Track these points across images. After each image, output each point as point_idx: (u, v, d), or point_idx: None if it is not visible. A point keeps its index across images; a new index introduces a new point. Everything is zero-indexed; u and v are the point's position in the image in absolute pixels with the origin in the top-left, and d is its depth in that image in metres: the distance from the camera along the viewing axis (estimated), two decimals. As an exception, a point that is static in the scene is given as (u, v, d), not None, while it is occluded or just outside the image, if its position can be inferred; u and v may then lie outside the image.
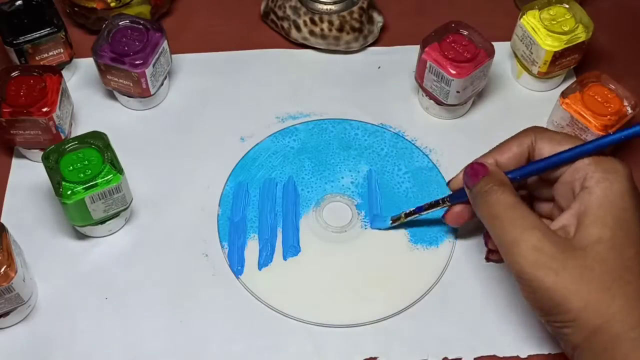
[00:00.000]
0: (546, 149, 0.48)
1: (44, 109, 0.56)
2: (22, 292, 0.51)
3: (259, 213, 0.59)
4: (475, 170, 0.49)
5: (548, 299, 0.44)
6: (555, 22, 0.62)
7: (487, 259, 0.56)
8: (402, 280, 0.56)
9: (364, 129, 0.64)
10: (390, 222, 0.57)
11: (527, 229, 0.44)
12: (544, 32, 0.62)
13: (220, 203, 0.59)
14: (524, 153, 0.49)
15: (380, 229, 0.58)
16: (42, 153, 0.55)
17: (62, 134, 0.58)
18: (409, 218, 0.56)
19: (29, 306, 0.53)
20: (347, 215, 0.59)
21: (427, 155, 0.62)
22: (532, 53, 0.63)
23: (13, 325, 0.53)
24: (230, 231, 0.58)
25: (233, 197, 0.60)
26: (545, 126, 0.62)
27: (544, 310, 0.45)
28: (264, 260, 0.57)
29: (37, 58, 0.62)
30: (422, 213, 0.55)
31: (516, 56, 0.66)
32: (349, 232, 0.58)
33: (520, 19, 0.63)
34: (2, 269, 0.49)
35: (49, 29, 0.61)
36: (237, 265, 0.56)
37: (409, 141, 0.63)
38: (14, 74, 0.58)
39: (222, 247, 0.57)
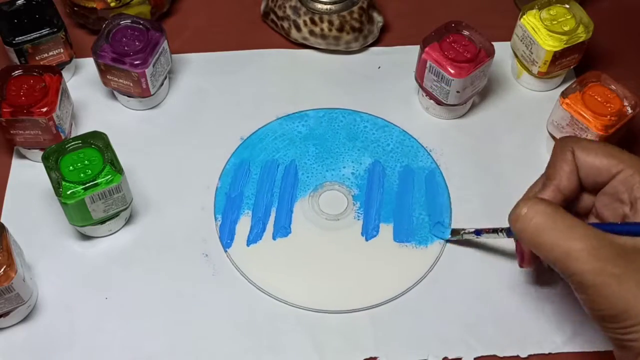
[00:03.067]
0: (586, 160, 0.47)
1: (44, 109, 0.56)
2: (22, 292, 0.51)
3: (257, 191, 0.59)
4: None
5: (611, 307, 0.42)
6: (555, 22, 0.62)
7: (521, 266, 0.54)
8: (390, 273, 0.56)
9: (373, 123, 0.64)
10: (450, 235, 0.57)
11: (579, 237, 0.42)
12: (544, 32, 0.62)
13: (220, 177, 0.60)
14: (574, 169, 0.48)
15: (437, 238, 0.58)
16: (42, 153, 0.55)
17: (62, 134, 0.58)
18: (465, 237, 0.56)
19: (29, 306, 0.53)
20: (342, 204, 0.59)
21: (430, 156, 0.62)
22: (532, 53, 0.63)
23: (13, 325, 0.53)
24: (225, 205, 0.59)
25: (234, 173, 0.60)
26: (545, 126, 0.62)
27: (606, 319, 0.43)
28: (254, 237, 0.57)
29: (37, 58, 0.62)
30: (480, 236, 0.55)
31: (516, 56, 0.66)
32: (341, 220, 0.59)
33: (520, 19, 0.63)
34: (2, 269, 0.49)
35: (48, 29, 0.61)
36: (227, 238, 0.57)
37: (416, 139, 0.63)
38: (14, 73, 0.58)
39: (216, 219, 0.58)
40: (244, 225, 0.58)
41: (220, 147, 0.62)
